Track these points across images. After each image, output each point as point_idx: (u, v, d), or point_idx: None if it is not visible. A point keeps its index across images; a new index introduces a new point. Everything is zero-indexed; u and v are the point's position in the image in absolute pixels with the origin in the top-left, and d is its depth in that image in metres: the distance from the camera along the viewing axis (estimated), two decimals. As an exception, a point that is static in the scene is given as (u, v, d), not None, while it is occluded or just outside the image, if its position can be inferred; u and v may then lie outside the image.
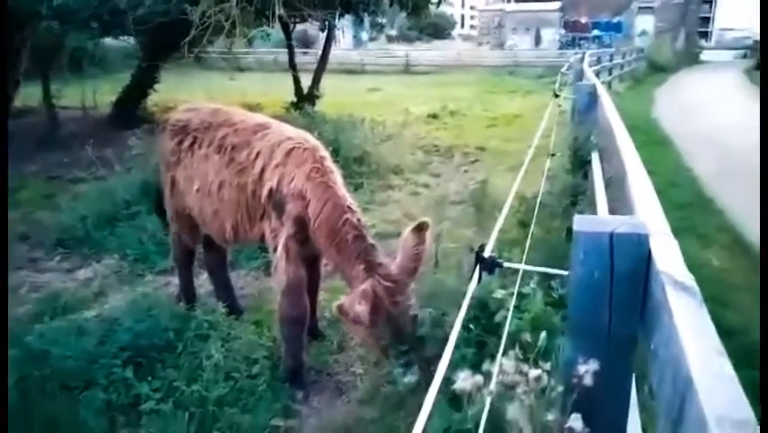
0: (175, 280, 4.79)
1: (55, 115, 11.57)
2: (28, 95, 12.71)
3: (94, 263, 5.31)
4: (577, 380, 0.99)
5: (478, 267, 1.29)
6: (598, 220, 1.27)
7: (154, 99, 13.20)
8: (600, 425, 1.00)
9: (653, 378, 1.00)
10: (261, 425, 3.17)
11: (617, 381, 1.13)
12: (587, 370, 0.99)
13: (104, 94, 13.06)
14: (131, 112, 12.24)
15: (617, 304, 1.14)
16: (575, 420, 0.95)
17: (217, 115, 3.85)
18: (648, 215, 1.42)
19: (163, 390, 3.19)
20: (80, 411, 2.99)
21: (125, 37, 13.62)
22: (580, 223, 1.16)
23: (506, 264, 1.37)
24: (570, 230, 1.16)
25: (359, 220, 3.20)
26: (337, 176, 3.36)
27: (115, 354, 3.31)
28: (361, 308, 2.83)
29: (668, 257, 1.08)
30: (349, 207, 3.21)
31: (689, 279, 1.00)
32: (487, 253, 1.32)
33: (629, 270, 1.12)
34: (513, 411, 0.97)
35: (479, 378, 1.00)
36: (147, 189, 6.19)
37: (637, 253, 1.12)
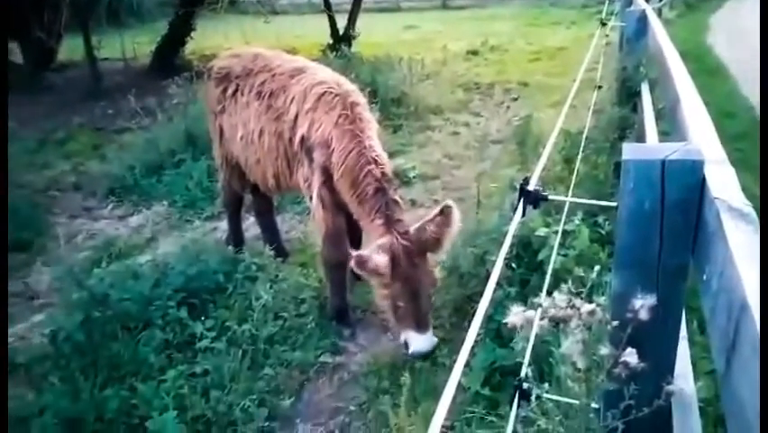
0: (222, 225, 4.92)
1: (97, 66, 11.73)
2: (69, 48, 12.92)
3: (144, 211, 5.49)
4: (632, 314, 0.97)
5: (521, 201, 1.26)
6: (648, 148, 1.21)
7: (191, 47, 13.21)
8: (651, 357, 0.98)
9: (706, 308, 0.97)
10: (311, 361, 3.30)
11: (667, 313, 1.11)
12: (642, 304, 0.97)
13: (142, 44, 13.14)
14: (169, 60, 12.30)
15: (669, 234, 1.10)
16: (630, 355, 0.94)
17: (257, 60, 3.80)
18: (703, 141, 1.35)
19: (216, 329, 3.34)
20: (140, 349, 3.16)
21: (160, -16, 13.57)
22: (630, 151, 1.11)
23: (551, 197, 1.33)
24: (618, 165, 1.12)
25: (383, 174, 3.09)
26: (368, 124, 3.23)
27: (170, 296, 3.45)
28: (381, 259, 2.78)
29: (724, 184, 1.04)
30: (374, 159, 3.08)
31: (745, 205, 0.95)
32: (531, 187, 1.29)
33: (682, 198, 1.07)
34: (566, 345, 0.97)
35: (530, 313, 0.99)
36: (190, 138, 6.31)
37: (691, 180, 1.07)
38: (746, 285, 0.76)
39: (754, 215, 0.94)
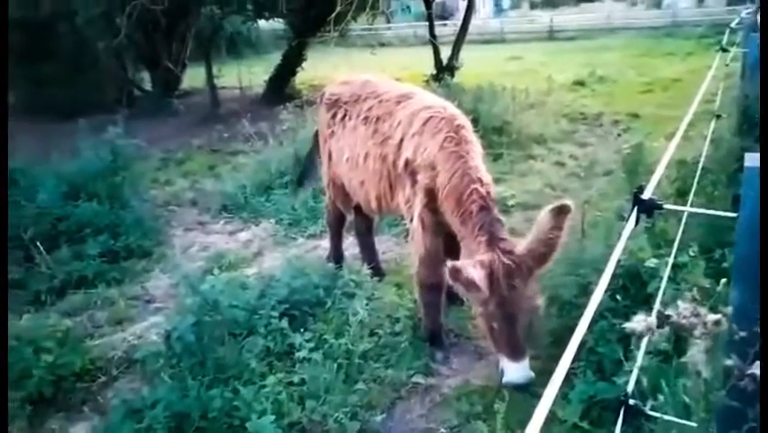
0: (323, 243, 5.10)
1: (216, 93, 12.67)
2: (192, 76, 14.04)
3: (253, 227, 5.82)
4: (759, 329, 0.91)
5: (635, 209, 1.22)
6: (772, 156, 1.15)
7: (301, 77, 13.94)
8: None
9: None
10: (403, 380, 3.31)
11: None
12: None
13: (257, 73, 14.04)
14: (281, 89, 13.08)
15: (794, 246, 1.02)
16: (758, 367, 0.89)
17: (366, 86, 3.95)
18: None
19: (314, 341, 3.44)
20: (244, 355, 3.32)
21: (276, 19, 14.50)
22: (752, 159, 1.05)
23: (666, 206, 1.28)
24: (736, 198, 1.06)
25: (488, 193, 3.05)
26: (473, 146, 3.22)
27: (273, 306, 3.61)
28: (476, 272, 2.65)
29: None
30: (479, 179, 3.06)
31: None
32: (646, 196, 1.25)
33: (809, 207, 1.00)
34: (690, 354, 0.92)
35: (651, 320, 0.96)
36: (299, 161, 6.64)
37: (819, 189, 0.99)
38: None
39: None
